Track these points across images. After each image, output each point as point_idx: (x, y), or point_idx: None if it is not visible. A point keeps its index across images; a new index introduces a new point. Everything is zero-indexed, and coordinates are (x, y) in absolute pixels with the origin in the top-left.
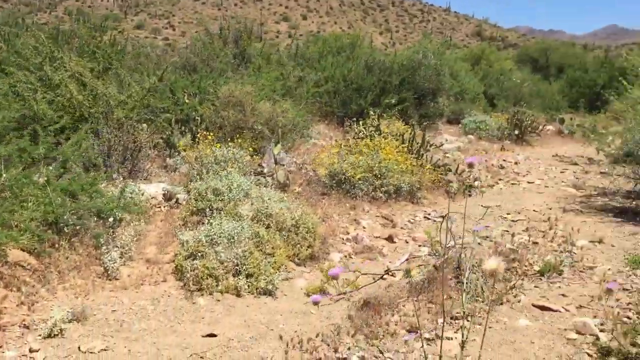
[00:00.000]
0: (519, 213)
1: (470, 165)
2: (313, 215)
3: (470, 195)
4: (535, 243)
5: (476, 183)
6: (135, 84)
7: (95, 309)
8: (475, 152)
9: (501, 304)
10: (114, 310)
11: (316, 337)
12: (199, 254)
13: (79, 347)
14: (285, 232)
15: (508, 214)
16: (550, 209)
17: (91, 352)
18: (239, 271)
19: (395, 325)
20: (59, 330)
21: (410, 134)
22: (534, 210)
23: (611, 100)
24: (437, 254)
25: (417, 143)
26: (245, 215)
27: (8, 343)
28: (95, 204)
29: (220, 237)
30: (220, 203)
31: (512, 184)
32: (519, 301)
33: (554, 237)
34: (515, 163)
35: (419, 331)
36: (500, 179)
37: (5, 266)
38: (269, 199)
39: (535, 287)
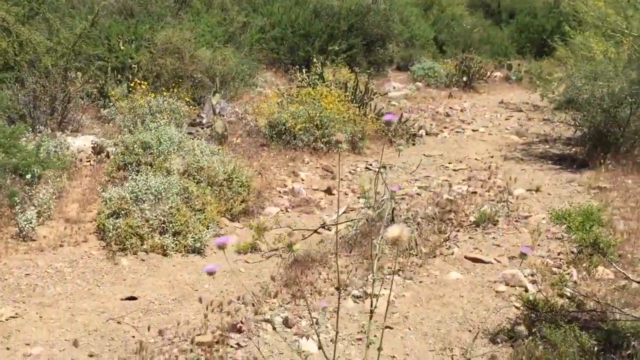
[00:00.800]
0: (461, 162)
1: (388, 123)
2: (248, 168)
3: (414, 144)
4: (474, 193)
5: (420, 132)
6: (65, 29)
7: (7, 273)
8: (423, 100)
9: (434, 257)
10: (28, 274)
11: (238, 299)
12: (123, 212)
13: None
14: (217, 186)
15: (450, 163)
16: (492, 157)
17: None
18: (166, 229)
19: (324, 282)
20: None
21: (354, 81)
22: (475, 159)
23: (557, 46)
24: (371, 207)
25: (361, 91)
26: (175, 169)
27: None
28: (9, 160)
29: (145, 193)
30: (149, 157)
31: (457, 132)
32: (452, 254)
33: (492, 187)
34: (462, 110)
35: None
36: (445, 127)
37: None
38: (200, 152)
39: (470, 238)
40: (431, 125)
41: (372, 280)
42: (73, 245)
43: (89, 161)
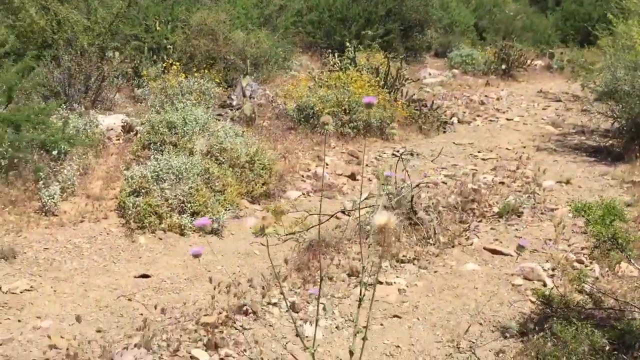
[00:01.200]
0: (491, 151)
1: (369, 105)
2: (272, 151)
3: (444, 132)
4: (502, 183)
5: (452, 119)
6: (102, 9)
7: (27, 246)
8: (458, 87)
9: (453, 246)
10: (46, 249)
11: (247, 281)
12: (143, 191)
13: (0, 287)
14: (239, 168)
15: (479, 152)
16: (524, 147)
17: (13, 293)
18: (185, 209)
19: (337, 268)
20: None
21: (386, 67)
22: (506, 149)
23: (600, 35)
24: (389, 194)
25: (392, 77)
26: (198, 150)
27: None
28: (36, 136)
29: (167, 173)
30: (174, 137)
31: (490, 120)
32: (471, 244)
33: (520, 178)
34: (498, 99)
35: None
36: (478, 115)
37: None
38: (224, 134)
39: (491, 229)
40: (464, 113)
41: (384, 269)
42: (93, 222)
43: (119, 139)
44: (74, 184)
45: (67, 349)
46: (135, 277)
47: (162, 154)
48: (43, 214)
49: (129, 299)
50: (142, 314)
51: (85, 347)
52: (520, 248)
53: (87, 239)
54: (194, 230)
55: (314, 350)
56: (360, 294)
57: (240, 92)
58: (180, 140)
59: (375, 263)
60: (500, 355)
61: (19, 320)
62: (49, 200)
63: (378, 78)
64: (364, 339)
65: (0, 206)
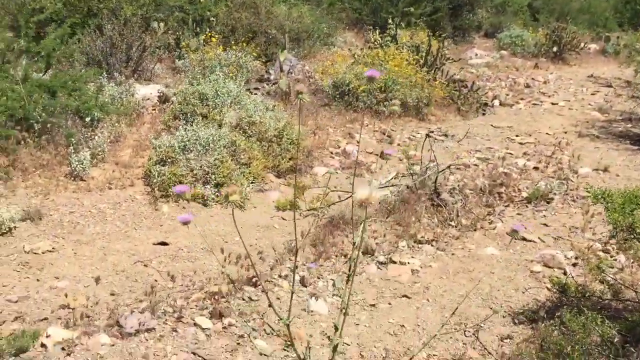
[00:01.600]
0: (530, 135)
1: (370, 79)
2: (302, 126)
3: (484, 114)
4: (536, 168)
5: (494, 102)
6: None
7: (53, 209)
8: (505, 69)
9: (475, 230)
10: (72, 212)
11: (258, 253)
12: (170, 160)
13: (23, 247)
14: (266, 142)
15: (517, 135)
16: (566, 132)
17: (35, 253)
18: (209, 180)
19: (352, 245)
20: (9, 229)
21: (427, 45)
22: (546, 134)
23: None
24: (414, 174)
25: (433, 56)
26: (227, 122)
27: None
28: (71, 102)
29: (194, 143)
30: (205, 109)
31: (534, 104)
32: (493, 228)
33: (555, 163)
34: (545, 82)
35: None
36: (522, 98)
37: None
38: (254, 107)
39: (517, 214)
40: (507, 95)
41: (401, 249)
42: (119, 188)
43: (154, 110)
44: (104, 150)
45: (79, 309)
46: (154, 244)
47: (191, 125)
48: (72, 178)
49: (145, 265)
50: (155, 280)
51: (95, 309)
52: (514, 232)
53: (112, 205)
54: (217, 202)
55: (289, 322)
56: (349, 270)
57: (278, 66)
58: (210, 112)
59: (392, 242)
60: (506, 340)
61: (38, 280)
62: (78, 166)
63: (418, 56)
64: (345, 313)
65: (31, 169)
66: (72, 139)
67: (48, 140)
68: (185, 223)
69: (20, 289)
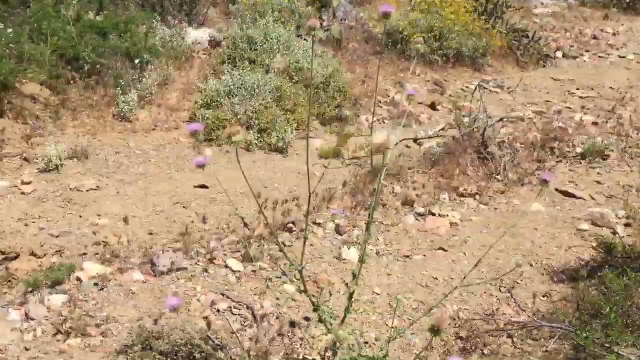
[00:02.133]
0: (592, 89)
1: (386, 15)
2: (348, 73)
3: (544, 66)
4: (595, 123)
5: (556, 53)
6: None
7: (99, 148)
8: (572, 19)
9: (522, 185)
10: (117, 152)
11: (293, 199)
12: (214, 104)
13: (69, 184)
14: (313, 89)
15: (578, 89)
16: (631, 87)
17: (79, 190)
18: (252, 125)
19: (394, 196)
20: (56, 166)
21: None
22: (610, 87)
23: None
24: (461, 125)
25: (493, 3)
26: (274, 68)
27: (4, 173)
28: (121, 44)
29: (239, 88)
30: (253, 53)
31: (600, 56)
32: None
33: (615, 119)
34: (613, 34)
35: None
36: (587, 51)
37: (18, 98)
38: (303, 53)
39: (570, 170)
40: (571, 47)
41: (442, 201)
42: (164, 131)
43: (205, 54)
44: (151, 93)
45: (116, 247)
46: (194, 186)
47: (238, 70)
48: (119, 119)
49: (184, 207)
50: (192, 222)
51: (132, 247)
52: (543, 182)
53: (156, 147)
54: (260, 147)
55: (302, 268)
56: (369, 217)
57: (331, 12)
58: (258, 56)
59: (433, 194)
60: (544, 298)
61: (80, 216)
62: (125, 107)
63: (476, 4)
64: (361, 261)
65: (80, 109)
66: (121, 81)
67: (97, 81)
68: (200, 166)
69: (62, 224)
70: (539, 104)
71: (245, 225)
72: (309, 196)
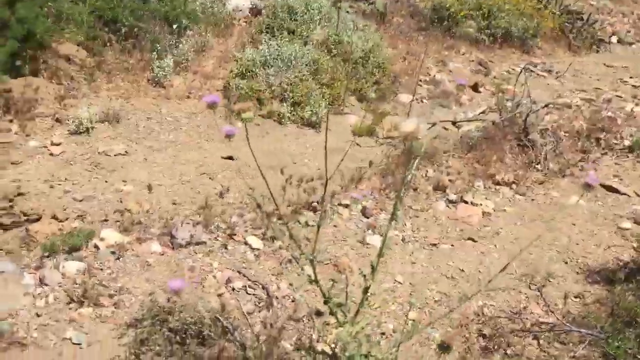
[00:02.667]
0: None
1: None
2: (390, 49)
3: (597, 51)
4: None
5: (611, 38)
6: None
7: (131, 112)
8: (631, 3)
9: (563, 176)
10: (149, 118)
11: (319, 178)
12: (249, 74)
13: (97, 148)
14: (352, 63)
15: (632, 77)
16: None
17: (107, 155)
18: (286, 97)
19: (426, 180)
20: (87, 129)
21: None
22: None
23: None
24: (504, 110)
25: None
26: (314, 39)
27: (36, 133)
28: (158, 7)
29: (275, 59)
30: (293, 24)
31: None
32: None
33: None
34: None
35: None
36: None
37: (54, 58)
38: (344, 26)
39: (615, 163)
40: (628, 32)
41: (475, 188)
42: (197, 99)
43: (245, 22)
44: (187, 59)
45: (137, 215)
46: (222, 157)
47: (276, 40)
48: (153, 84)
49: (210, 178)
50: (216, 194)
51: (153, 216)
52: (587, 187)
53: (188, 115)
54: (292, 121)
55: (313, 257)
56: (395, 207)
57: None
58: (298, 27)
59: (467, 180)
60: (576, 300)
61: (106, 181)
62: (160, 72)
63: None
64: (380, 255)
65: (115, 72)
66: (157, 45)
67: (134, 45)
68: (229, 136)
69: (87, 188)
70: (588, 91)
71: (259, 206)
72: (326, 181)
